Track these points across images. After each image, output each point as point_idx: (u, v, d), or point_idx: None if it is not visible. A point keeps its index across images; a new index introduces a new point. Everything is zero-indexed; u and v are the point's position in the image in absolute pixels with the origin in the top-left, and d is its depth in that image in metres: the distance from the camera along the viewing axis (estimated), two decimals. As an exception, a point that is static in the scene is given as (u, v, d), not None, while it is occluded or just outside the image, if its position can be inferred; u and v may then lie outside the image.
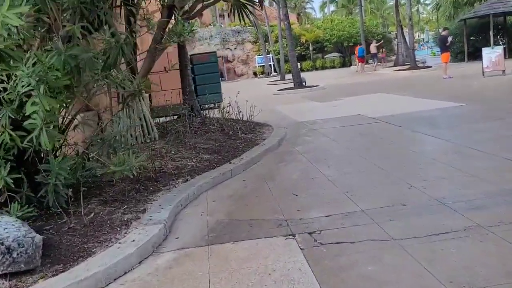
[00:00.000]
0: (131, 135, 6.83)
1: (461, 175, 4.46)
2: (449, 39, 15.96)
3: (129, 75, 5.80)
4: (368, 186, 4.46)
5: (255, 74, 38.74)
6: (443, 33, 16.11)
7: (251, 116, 8.56)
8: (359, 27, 35.36)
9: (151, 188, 4.58)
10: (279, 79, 28.29)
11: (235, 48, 39.82)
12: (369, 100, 11.93)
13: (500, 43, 24.49)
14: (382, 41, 32.86)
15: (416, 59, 24.04)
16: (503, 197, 3.76)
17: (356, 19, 38.45)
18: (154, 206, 4.08)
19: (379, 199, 4.03)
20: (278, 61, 39.23)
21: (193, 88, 9.60)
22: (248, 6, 8.25)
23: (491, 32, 22.07)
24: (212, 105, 14.34)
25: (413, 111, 8.94)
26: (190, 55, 14.16)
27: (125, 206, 4.04)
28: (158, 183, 4.73)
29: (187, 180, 4.91)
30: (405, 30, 31.31)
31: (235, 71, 39.67)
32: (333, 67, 37.75)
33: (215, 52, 14.24)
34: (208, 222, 3.88)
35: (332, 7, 57.05)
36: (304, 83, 18.54)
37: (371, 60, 30.86)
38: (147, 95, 14.01)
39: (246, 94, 20.31)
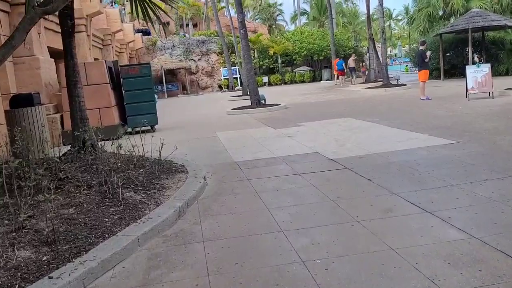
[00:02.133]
0: None
1: None
2: (428, 53, 13.87)
3: None
4: None
5: (220, 87, 36.25)
6: (421, 47, 14.00)
7: (159, 155, 5.97)
8: (330, 40, 33.45)
9: None
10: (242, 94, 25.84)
11: (199, 59, 37.23)
12: (334, 127, 9.53)
13: (476, 59, 22.86)
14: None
15: (390, 75, 22.06)
16: None
17: (327, 32, 36.56)
18: None
19: None
20: (245, 74, 36.98)
21: (86, 114, 6.93)
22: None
23: (469, 48, 20.32)
24: (149, 127, 11.75)
25: (389, 151, 6.53)
26: (120, 67, 11.53)
27: None
28: None
29: None
30: (378, 45, 29.57)
31: (198, 83, 37.04)
32: (303, 81, 35.70)
33: (148, 63, 11.61)
34: None
35: (304, 19, 55.39)
36: (263, 101, 16.10)
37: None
38: (58, 115, 11.25)
39: (198, 112, 17.72)
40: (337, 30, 42.39)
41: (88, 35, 16.81)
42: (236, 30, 43.24)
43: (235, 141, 8.89)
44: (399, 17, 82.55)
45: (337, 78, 28.11)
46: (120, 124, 11.08)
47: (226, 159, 7.05)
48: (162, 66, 33.31)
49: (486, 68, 12.28)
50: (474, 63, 20.51)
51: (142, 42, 34.79)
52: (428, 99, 13.40)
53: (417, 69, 15.78)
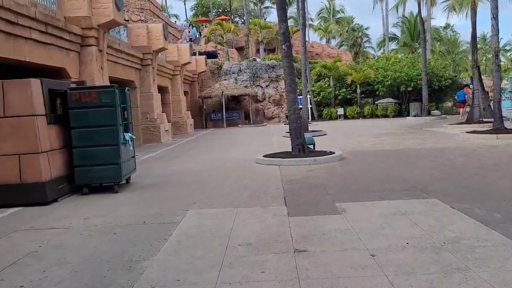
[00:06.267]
0: None
1: None
2: None
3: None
4: None
5: (288, 118, 31.78)
6: None
7: None
8: (421, 68, 27.67)
9: None
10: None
11: (267, 86, 33.37)
12: (401, 229, 4.52)
13: None
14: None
15: (504, 116, 16.02)
16: None
17: (418, 59, 30.74)
18: None
19: None
20: (319, 104, 32.21)
21: None
22: None
23: None
24: (112, 184, 7.69)
25: None
26: (70, 90, 7.61)
27: None
28: None
29: None
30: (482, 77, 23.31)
31: (264, 113, 33.04)
32: (386, 115, 30.14)
33: (113, 86, 7.53)
34: None
35: (393, 45, 49.38)
36: (312, 146, 11.38)
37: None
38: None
39: (228, 154, 12.99)
40: (431, 57, 36.19)
41: (100, 50, 13.53)
42: (317, 56, 39.00)
43: (188, 249, 4.34)
44: (507, 47, 72.45)
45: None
46: (54, 181, 7.04)
47: None
48: (223, 92, 29.89)
49: None
50: None
51: (206, 65, 31.81)
52: None
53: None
